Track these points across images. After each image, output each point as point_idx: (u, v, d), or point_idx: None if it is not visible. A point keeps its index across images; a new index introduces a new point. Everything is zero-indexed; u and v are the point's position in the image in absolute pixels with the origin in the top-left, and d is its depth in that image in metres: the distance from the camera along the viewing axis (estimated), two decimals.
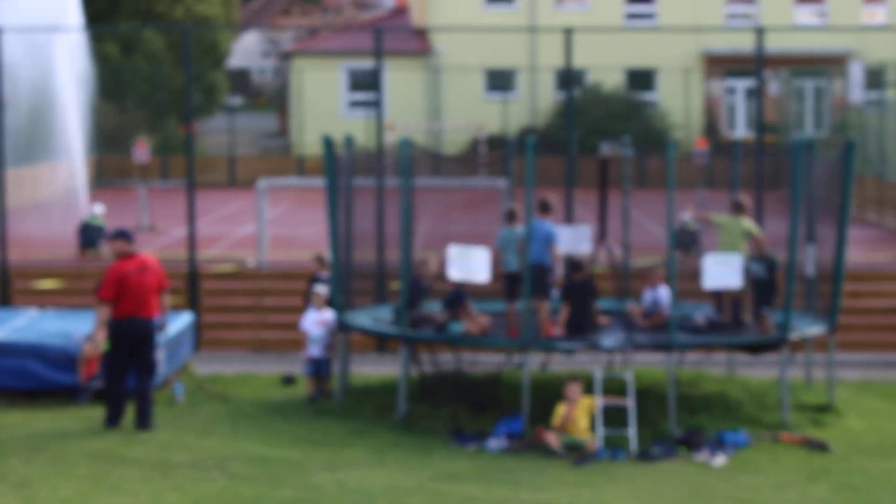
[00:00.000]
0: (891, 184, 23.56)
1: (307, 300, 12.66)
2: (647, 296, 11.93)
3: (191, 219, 15.96)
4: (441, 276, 11.51)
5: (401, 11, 44.53)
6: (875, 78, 26.78)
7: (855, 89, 26.55)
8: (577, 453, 10.01)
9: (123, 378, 10.43)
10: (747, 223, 11.41)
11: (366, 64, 29.23)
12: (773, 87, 32.21)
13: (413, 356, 11.72)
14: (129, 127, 31.58)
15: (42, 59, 21.05)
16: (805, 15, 38.46)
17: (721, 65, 37.42)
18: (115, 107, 31.94)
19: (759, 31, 16.61)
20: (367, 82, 32.95)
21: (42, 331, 12.78)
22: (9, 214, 16.23)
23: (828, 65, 32.29)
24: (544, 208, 10.99)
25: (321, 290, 12.31)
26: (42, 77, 21.98)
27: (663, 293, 11.45)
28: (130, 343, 10.28)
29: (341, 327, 11.82)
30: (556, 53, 18.49)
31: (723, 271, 10.87)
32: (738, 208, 11.62)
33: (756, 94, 17.61)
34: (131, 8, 35.31)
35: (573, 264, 11.62)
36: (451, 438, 10.71)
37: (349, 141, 12.34)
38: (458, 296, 11.16)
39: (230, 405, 11.99)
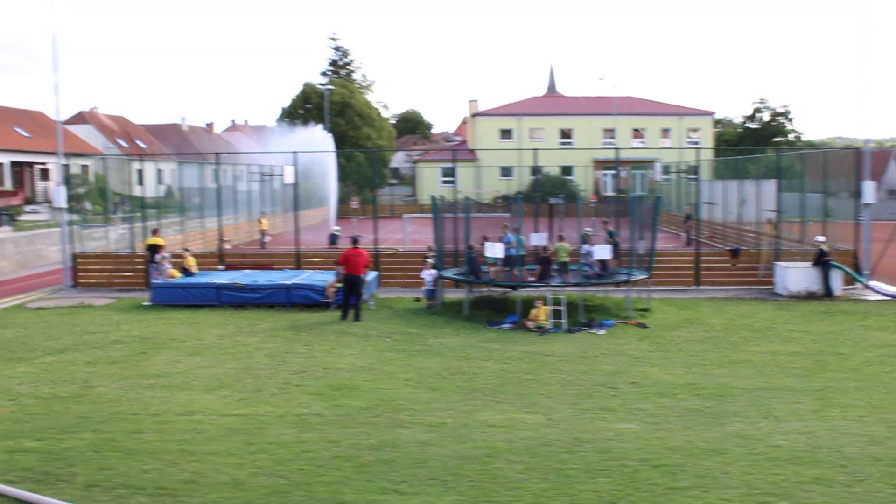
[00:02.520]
0: (672, 214, 44.77)
1: (424, 265, 24.55)
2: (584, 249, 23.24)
3: (375, 232, 29.03)
4: (482, 254, 22.54)
5: (464, 141, 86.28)
6: (666, 169, 51.63)
7: (657, 174, 49.17)
8: (540, 330, 19.70)
9: (349, 298, 21.39)
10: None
11: (449, 165, 73.50)
12: (623, 173, 62.65)
13: (469, 289, 22.94)
14: (350, 192, 67.12)
15: (314, 162, 44.73)
16: (636, 142, 76.42)
17: (602, 163, 73.72)
18: (344, 184, 65.44)
19: (617, 149, 33.46)
20: (449, 172, 72.87)
21: (313, 278, 24.21)
22: (301, 230, 29.75)
23: (646, 163, 60.51)
24: (515, 229, 22.57)
25: (429, 261, 23.98)
26: (316, 171, 47.46)
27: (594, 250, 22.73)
28: (351, 284, 21.67)
29: (440, 277, 23.54)
30: (530, 159, 46.63)
31: (602, 251, 22.28)
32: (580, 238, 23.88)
33: (616, 177, 46.21)
34: (350, 141, 75.12)
35: (542, 248, 23.01)
36: (487, 324, 20.69)
37: (440, 198, 24.25)
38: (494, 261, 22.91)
39: (391, 310, 22.86)
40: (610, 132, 77.24)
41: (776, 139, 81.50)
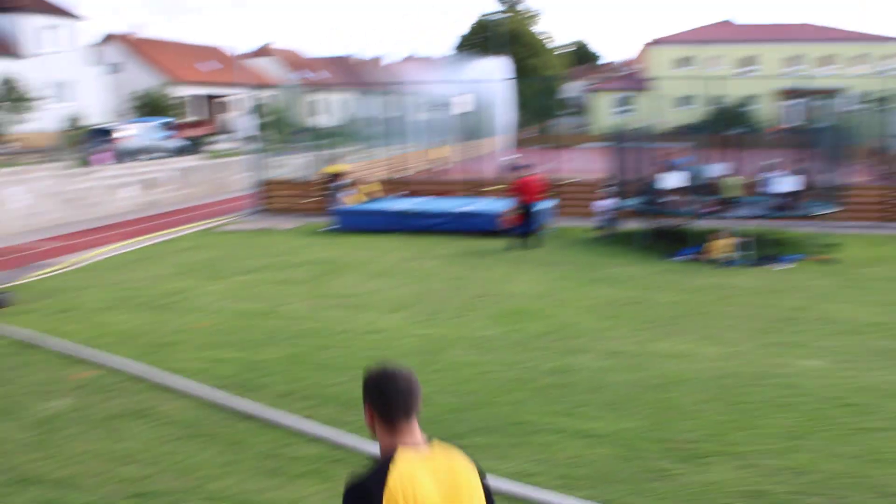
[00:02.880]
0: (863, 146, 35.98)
1: (599, 195, 24.29)
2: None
3: (549, 161, 28.69)
4: (659, 183, 22.40)
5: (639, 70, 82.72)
6: (856, 98, 46.80)
7: (846, 104, 45.93)
8: (720, 263, 19.09)
9: (523, 226, 21.61)
10: None
11: (624, 94, 74.39)
12: (809, 102, 58.93)
13: (647, 219, 22.42)
14: (524, 121, 66.43)
15: (489, 91, 43.05)
16: (822, 70, 68.17)
17: (786, 93, 69.39)
18: (519, 113, 63.84)
19: (803, 77, 30.16)
20: (625, 102, 73.38)
21: (489, 206, 24.53)
22: (476, 159, 30.01)
23: (833, 92, 57.34)
24: (693, 159, 21.95)
25: (605, 191, 23.80)
26: (491, 100, 45.66)
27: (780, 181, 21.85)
28: (525, 212, 21.87)
29: (617, 207, 23.33)
30: (709, 88, 49.03)
31: (786, 182, 21.25)
32: None
33: (801, 107, 34.40)
34: (523, 72, 72.44)
35: (721, 180, 22.45)
36: (664, 255, 20.29)
37: (617, 127, 23.85)
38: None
39: (566, 238, 23.04)
40: (794, 60, 73.40)
41: None
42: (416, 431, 3.41)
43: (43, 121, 49.60)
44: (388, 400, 3.37)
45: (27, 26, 52.56)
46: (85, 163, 35.15)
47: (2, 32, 52.25)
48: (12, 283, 18.04)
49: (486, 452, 8.54)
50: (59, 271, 19.64)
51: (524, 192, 21.64)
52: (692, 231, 21.91)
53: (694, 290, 16.69)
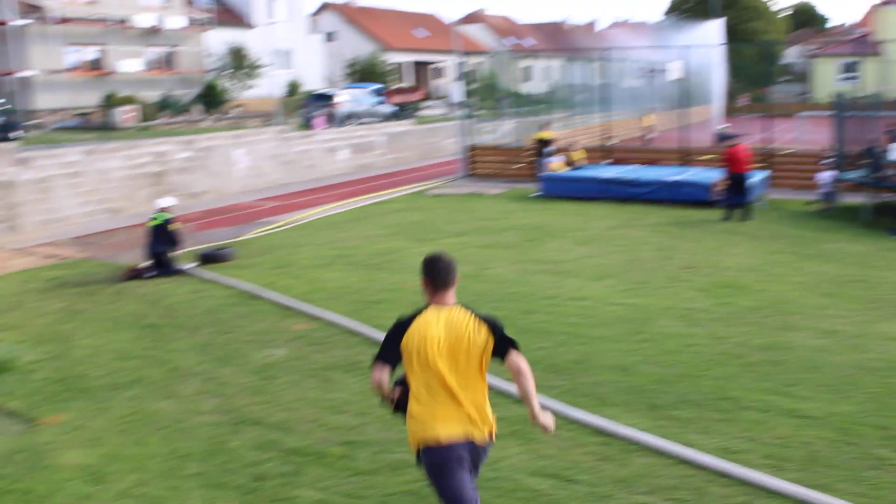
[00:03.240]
0: None
1: (819, 167, 22.88)
2: None
3: (765, 131, 27.62)
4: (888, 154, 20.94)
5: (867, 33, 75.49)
6: None
7: None
8: None
9: (736, 197, 20.64)
10: None
11: (850, 60, 67.98)
12: None
13: (871, 193, 21.03)
14: (739, 88, 61.75)
15: (703, 57, 40.24)
16: None
17: None
18: (733, 80, 58.75)
19: None
20: (850, 68, 68.10)
21: (700, 176, 23.67)
22: (687, 128, 29.31)
23: None
24: None
25: (826, 162, 22.46)
26: (704, 66, 41.99)
27: None
28: (737, 183, 20.84)
29: (839, 179, 22.06)
30: None
31: None
32: None
33: None
34: (739, 36, 69.18)
35: None
36: (890, 232, 18.80)
37: (842, 95, 22.45)
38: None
39: (781, 211, 21.92)
40: None
41: None
42: (449, 297, 5.45)
43: (265, 87, 52.29)
44: (432, 275, 5.41)
45: None
46: (305, 126, 36.83)
47: (235, 4, 55.33)
48: (236, 239, 19.22)
49: (691, 426, 8.39)
50: (277, 229, 20.74)
51: (734, 161, 20.81)
52: None
53: None
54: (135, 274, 15.58)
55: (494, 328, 5.29)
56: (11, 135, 28.87)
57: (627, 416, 8.65)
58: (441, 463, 5.23)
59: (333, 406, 9.09)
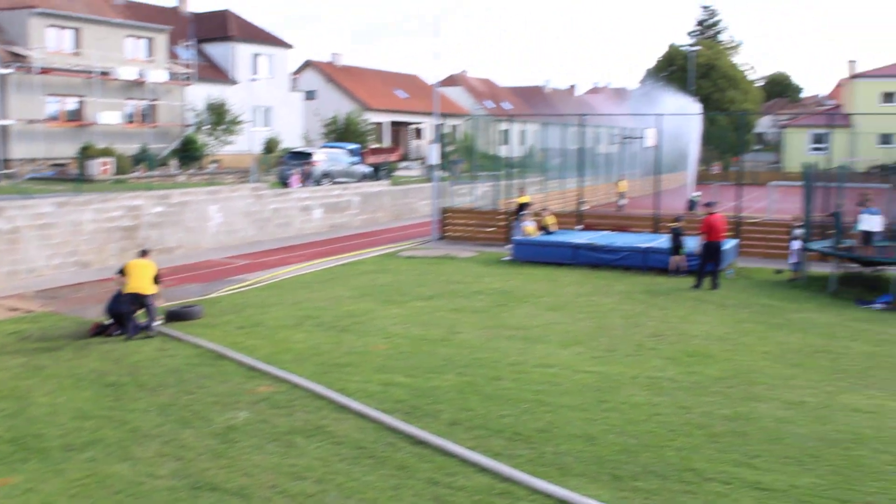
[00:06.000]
0: None
1: (790, 236, 23.19)
2: None
3: (737, 199, 28.01)
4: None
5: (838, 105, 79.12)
6: None
7: None
8: None
9: (705, 265, 20.68)
10: None
11: (820, 131, 67.34)
12: None
13: (838, 263, 21.22)
14: (711, 156, 66.50)
15: (676, 125, 41.96)
16: None
17: None
18: (706, 148, 61.13)
19: None
20: (820, 139, 66.89)
21: (660, 244, 23.83)
22: (659, 194, 29.40)
23: None
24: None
25: (796, 232, 22.69)
26: (677, 134, 43.35)
27: None
28: (711, 251, 20.63)
29: (805, 249, 22.11)
30: None
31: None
32: None
33: None
34: (714, 105, 73.20)
35: None
36: (856, 302, 19.32)
37: (811, 165, 22.73)
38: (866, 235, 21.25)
39: (749, 280, 22.05)
40: None
41: None
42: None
43: (243, 143, 52.43)
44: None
45: (241, 54, 55.80)
46: (281, 184, 36.84)
47: (219, 60, 55.68)
48: (205, 297, 19.09)
49: (654, 497, 8.34)
50: (247, 288, 20.62)
51: (711, 229, 20.94)
52: (888, 277, 20.58)
53: (889, 341, 15.73)
54: (100, 330, 15.40)
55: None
56: None
57: (590, 486, 8.59)
58: None
59: (294, 472, 8.96)
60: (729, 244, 22.98)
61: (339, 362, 13.35)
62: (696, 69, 75.27)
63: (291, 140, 56.83)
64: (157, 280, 15.66)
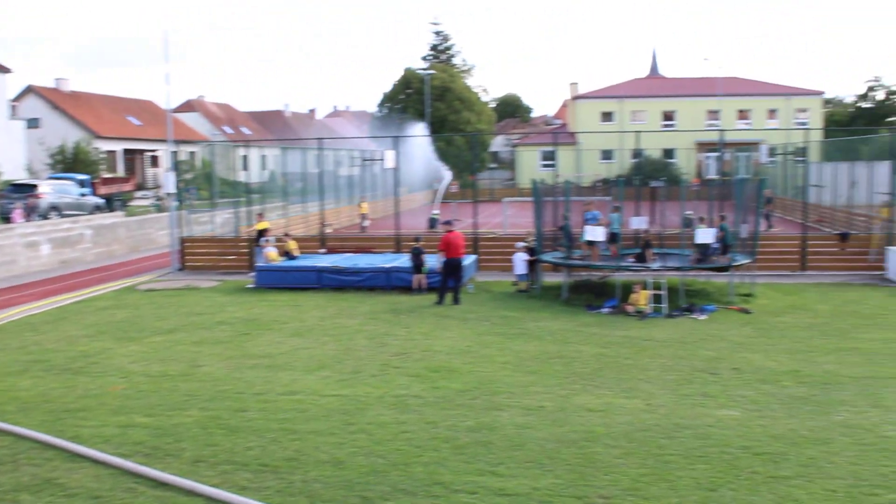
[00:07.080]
0: (780, 197, 42.95)
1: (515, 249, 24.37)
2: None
3: (474, 216, 28.70)
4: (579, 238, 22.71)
5: (564, 124, 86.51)
6: (772, 151, 50.60)
7: (763, 157, 49.02)
8: (640, 315, 19.43)
9: (447, 282, 21.41)
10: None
11: (549, 149, 74.84)
12: (727, 156, 63.49)
13: (568, 273, 22.63)
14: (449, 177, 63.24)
15: (414, 146, 45.52)
16: (741, 124, 76.92)
17: (705, 146, 72.39)
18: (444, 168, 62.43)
19: (721, 131, 32.58)
20: (549, 156, 74.28)
21: (402, 263, 24.14)
22: (400, 214, 29.92)
23: (751, 145, 65.36)
24: (616, 208, 22.50)
25: (520, 245, 23.83)
26: (415, 155, 48.22)
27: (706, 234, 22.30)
28: (451, 268, 21.59)
29: (538, 260, 23.43)
30: (632, 142, 53.32)
31: (704, 235, 21.75)
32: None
33: (720, 160, 46.83)
34: (450, 126, 77.29)
35: (643, 232, 22.90)
36: (586, 308, 20.49)
37: (541, 182, 24.07)
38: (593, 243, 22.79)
39: (489, 293, 22.74)
40: (714, 114, 75.71)
41: (891, 119, 78.43)
42: None
43: None
44: None
45: None
46: (2, 219, 34.26)
47: None
48: None
49: None
50: None
51: (451, 247, 21.53)
52: (613, 283, 22.06)
53: (614, 342, 16.79)
54: None
55: None
56: None
57: None
58: None
59: None
60: (468, 260, 23.75)
61: (72, 407, 12.53)
62: (431, 92, 77.55)
63: (13, 172, 52.94)
64: None
